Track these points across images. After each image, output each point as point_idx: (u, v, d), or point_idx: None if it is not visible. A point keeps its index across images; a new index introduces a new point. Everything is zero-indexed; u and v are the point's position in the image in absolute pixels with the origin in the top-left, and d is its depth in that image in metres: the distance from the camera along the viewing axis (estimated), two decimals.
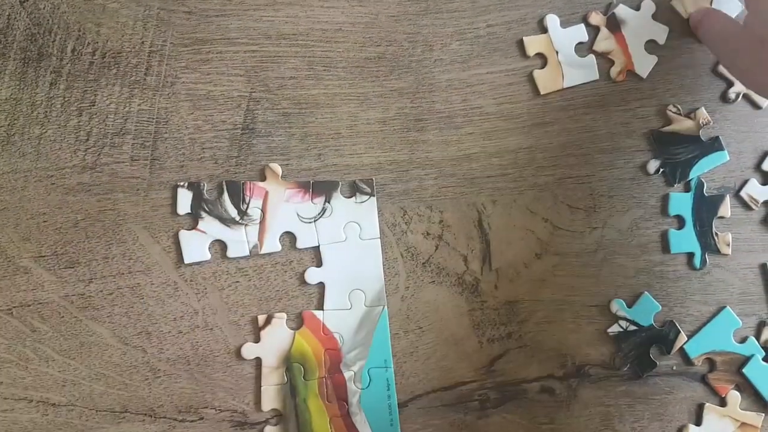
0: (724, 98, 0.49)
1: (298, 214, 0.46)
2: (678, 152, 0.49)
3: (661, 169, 0.48)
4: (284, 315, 0.46)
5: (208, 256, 0.46)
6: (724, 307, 0.48)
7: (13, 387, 0.45)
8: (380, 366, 0.46)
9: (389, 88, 0.48)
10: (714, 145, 0.48)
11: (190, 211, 0.46)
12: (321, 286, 0.46)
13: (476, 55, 0.49)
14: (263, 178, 0.47)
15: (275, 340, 0.46)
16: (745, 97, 0.49)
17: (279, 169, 0.47)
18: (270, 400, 0.45)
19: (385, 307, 0.46)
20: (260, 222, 0.46)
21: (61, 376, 0.45)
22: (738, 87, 0.49)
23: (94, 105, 0.47)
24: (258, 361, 0.46)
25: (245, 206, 0.46)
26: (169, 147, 0.47)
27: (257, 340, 0.46)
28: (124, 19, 0.47)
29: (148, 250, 0.46)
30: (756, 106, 0.49)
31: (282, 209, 0.46)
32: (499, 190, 0.48)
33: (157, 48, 0.47)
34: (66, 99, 0.47)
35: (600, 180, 0.48)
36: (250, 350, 0.46)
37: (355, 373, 0.46)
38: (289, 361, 0.46)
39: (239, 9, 0.48)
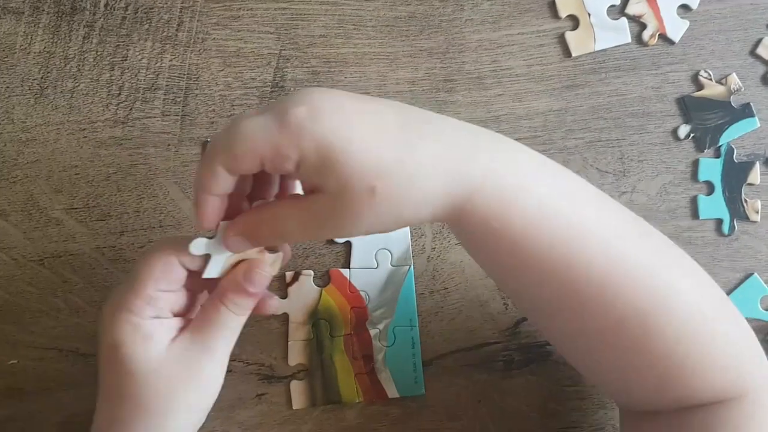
0: (764, 81, 0.48)
1: None
2: (708, 118, 0.48)
3: (692, 135, 0.48)
4: (311, 272, 0.46)
5: None
6: (752, 273, 0.47)
7: (43, 336, 0.46)
8: (405, 325, 0.46)
9: (419, 47, 0.48)
10: (745, 111, 0.48)
11: None
12: (348, 244, 0.47)
13: (507, 15, 0.48)
14: None
15: (302, 297, 0.46)
16: None
17: None
18: (297, 354, 0.46)
19: (411, 267, 0.47)
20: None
21: (91, 327, 0.46)
22: None
23: (126, 60, 0.47)
24: (285, 317, 0.46)
25: None
26: (200, 103, 0.47)
27: (285, 296, 0.46)
28: None
29: (178, 204, 0.46)
30: None
31: None
32: None
33: (188, 4, 0.47)
34: (98, 53, 0.47)
35: (630, 144, 0.48)
36: (277, 306, 0.46)
37: (380, 331, 0.46)
38: (316, 318, 0.46)
39: None
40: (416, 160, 0.31)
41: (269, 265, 0.36)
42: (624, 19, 0.48)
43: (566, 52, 0.48)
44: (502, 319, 0.47)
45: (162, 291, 0.36)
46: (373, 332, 0.46)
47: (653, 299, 0.34)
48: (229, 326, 0.36)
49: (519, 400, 0.46)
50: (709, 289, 0.37)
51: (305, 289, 0.46)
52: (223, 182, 0.33)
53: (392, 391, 0.46)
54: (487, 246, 0.35)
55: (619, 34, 0.48)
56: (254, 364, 0.46)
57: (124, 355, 0.35)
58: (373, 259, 0.47)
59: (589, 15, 0.48)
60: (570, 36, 0.48)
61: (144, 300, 0.35)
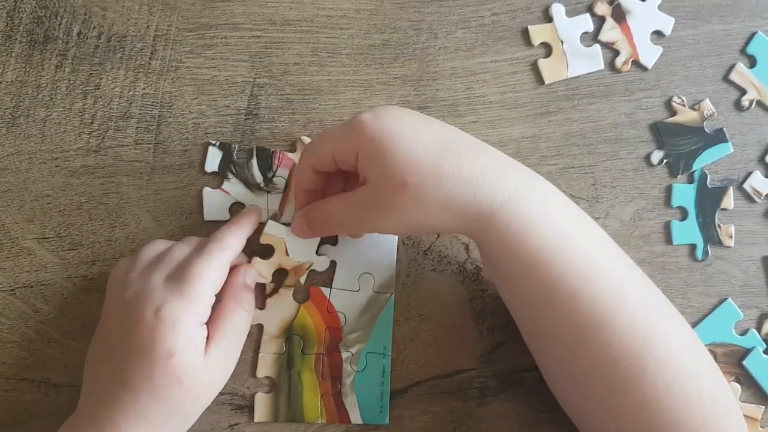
0: (738, 106, 0.49)
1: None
2: (682, 143, 0.48)
3: (665, 160, 0.48)
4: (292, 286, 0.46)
5: (227, 216, 0.46)
6: (726, 299, 0.48)
7: (15, 367, 0.45)
8: (378, 352, 0.46)
9: (393, 75, 0.48)
10: (718, 136, 0.48)
11: (217, 170, 0.47)
12: (333, 263, 0.46)
13: (480, 43, 0.49)
14: (293, 149, 0.47)
15: (280, 310, 0.46)
16: (759, 104, 0.49)
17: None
18: (265, 367, 0.46)
19: (393, 295, 0.46)
20: (284, 191, 0.47)
21: (63, 357, 0.45)
22: (751, 95, 0.49)
23: (99, 88, 0.47)
24: (260, 328, 0.46)
25: (272, 174, 0.47)
26: (173, 131, 0.47)
27: (262, 306, 0.46)
28: (129, 3, 0.47)
29: (151, 233, 0.46)
30: None
31: None
32: None
33: (162, 32, 0.48)
34: (71, 82, 0.47)
35: (603, 170, 0.48)
36: (254, 315, 0.45)
37: (352, 355, 0.46)
38: (290, 333, 0.46)
39: None
40: (449, 168, 0.36)
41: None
42: (597, 46, 0.49)
43: (539, 79, 0.48)
44: (477, 345, 0.47)
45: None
46: (345, 355, 0.46)
47: (649, 346, 0.36)
48: (245, 329, 0.43)
49: (494, 427, 0.46)
50: (699, 349, 0.39)
51: (283, 303, 0.46)
52: (310, 179, 0.41)
53: (356, 417, 0.46)
54: (502, 265, 0.38)
55: (592, 60, 0.49)
56: (227, 394, 0.46)
57: (176, 363, 0.37)
58: (356, 281, 0.46)
59: (562, 42, 0.49)
60: (543, 63, 0.48)
61: (204, 309, 0.39)
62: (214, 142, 0.47)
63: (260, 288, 0.46)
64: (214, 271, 0.39)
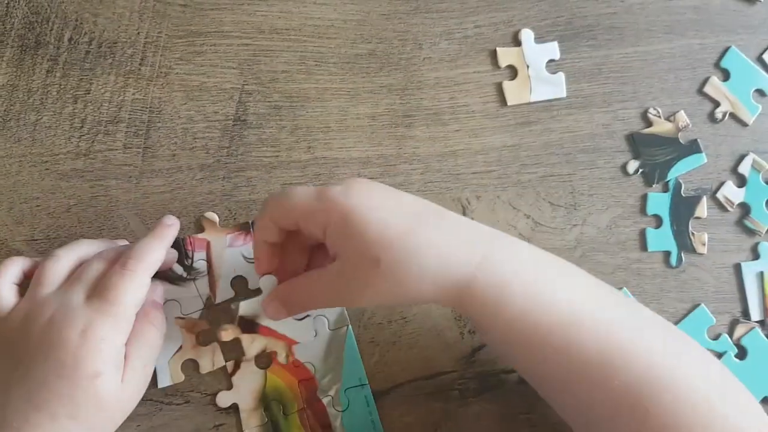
0: (711, 118, 0.50)
1: (244, 257, 0.46)
2: (657, 154, 0.50)
3: (641, 170, 0.50)
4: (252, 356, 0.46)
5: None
6: (699, 304, 0.49)
7: None
8: (356, 385, 0.46)
9: (379, 84, 0.49)
10: (692, 147, 0.50)
11: None
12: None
13: (464, 54, 0.50)
14: (201, 230, 0.47)
15: (248, 383, 0.45)
16: (732, 116, 0.50)
17: (216, 217, 0.47)
18: None
19: (349, 326, 0.46)
20: (208, 273, 0.46)
21: None
22: (724, 107, 0.50)
23: (89, 93, 0.48)
24: (235, 407, 0.45)
25: (189, 261, 0.46)
26: (162, 136, 0.48)
27: (230, 386, 0.45)
28: (120, 10, 0.48)
29: (138, 236, 0.47)
30: (743, 123, 0.50)
31: (227, 255, 0.46)
32: (483, 186, 0.49)
33: (152, 39, 0.48)
34: (62, 87, 0.48)
35: (581, 179, 0.50)
36: (225, 398, 0.45)
37: (332, 397, 0.46)
38: (266, 400, 0.45)
39: (233, 3, 0.49)
40: (417, 240, 0.35)
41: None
42: (561, 74, 0.50)
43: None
44: (459, 347, 0.48)
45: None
46: (325, 400, 0.45)
47: (648, 383, 0.35)
48: (157, 347, 0.42)
49: (475, 428, 0.47)
50: (709, 367, 0.37)
51: (249, 375, 0.45)
52: (271, 232, 0.39)
53: None
54: (487, 330, 0.38)
55: (555, 88, 0.50)
56: (212, 395, 0.46)
57: (100, 385, 0.37)
58: (311, 328, 0.46)
59: (528, 67, 0.50)
60: (507, 85, 0.50)
61: (129, 328, 0.39)
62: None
63: (222, 369, 0.45)
64: (138, 290, 0.39)
